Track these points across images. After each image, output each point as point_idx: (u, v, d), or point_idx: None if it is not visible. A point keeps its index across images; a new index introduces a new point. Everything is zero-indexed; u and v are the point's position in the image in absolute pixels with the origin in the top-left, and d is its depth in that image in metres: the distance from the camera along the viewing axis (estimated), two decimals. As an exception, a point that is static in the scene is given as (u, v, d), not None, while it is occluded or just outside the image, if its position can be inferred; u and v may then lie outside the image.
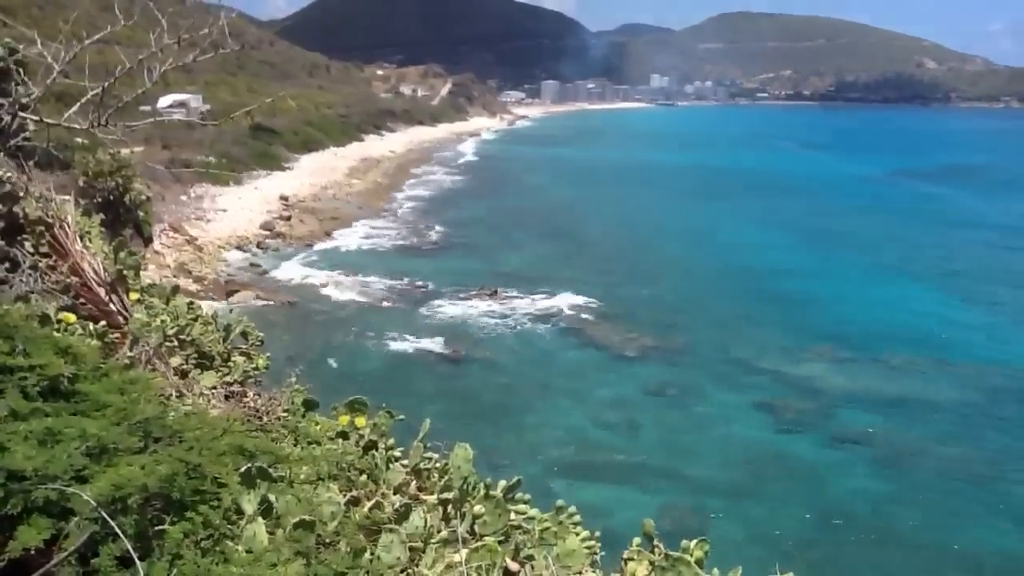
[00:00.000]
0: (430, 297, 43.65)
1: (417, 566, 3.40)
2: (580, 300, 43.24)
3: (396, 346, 35.53)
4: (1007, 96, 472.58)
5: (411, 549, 3.38)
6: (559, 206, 75.61)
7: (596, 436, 28.01)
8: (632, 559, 3.83)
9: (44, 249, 5.30)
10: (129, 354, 4.66)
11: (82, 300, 5.13)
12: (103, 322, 4.96)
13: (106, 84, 5.69)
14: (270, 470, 3.15)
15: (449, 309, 41.57)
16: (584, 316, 40.70)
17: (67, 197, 6.10)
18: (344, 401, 4.76)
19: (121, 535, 2.38)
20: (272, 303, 40.14)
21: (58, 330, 4.33)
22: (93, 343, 4.29)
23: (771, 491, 24.66)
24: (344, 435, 4.52)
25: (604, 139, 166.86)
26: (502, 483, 4.06)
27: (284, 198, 65.28)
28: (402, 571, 3.31)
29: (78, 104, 5.89)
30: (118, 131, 6.04)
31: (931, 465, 26.71)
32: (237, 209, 57.48)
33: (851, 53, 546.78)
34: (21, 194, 5.41)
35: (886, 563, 21.32)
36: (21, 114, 5.71)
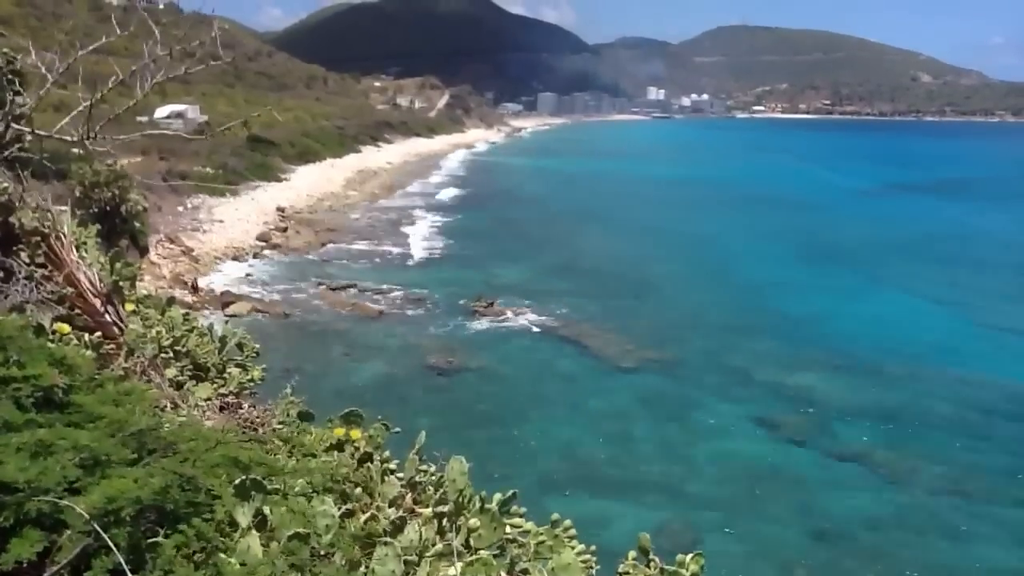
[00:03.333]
0: (426, 308, 43.63)
1: (412, 579, 3.38)
2: (577, 312, 43.24)
3: (392, 357, 35.46)
4: (1002, 110, 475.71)
5: (406, 562, 3.36)
6: (555, 218, 75.75)
7: (592, 449, 27.97)
8: (628, 573, 3.82)
9: (40, 259, 5.30)
10: (124, 365, 4.64)
11: (77, 311, 5.12)
12: (98, 333, 4.95)
13: (97, 96, 5.69)
14: (264, 482, 3.13)
15: (445, 321, 41.54)
16: (581, 328, 40.66)
17: (63, 207, 6.10)
18: (339, 413, 4.75)
19: (114, 548, 2.37)
20: (268, 314, 40.10)
21: (53, 341, 4.32)
22: (88, 354, 4.28)
23: (767, 506, 24.62)
24: (339, 447, 4.50)
25: (600, 152, 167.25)
26: (497, 496, 4.05)
27: (281, 209, 65.35)
28: (397, 584, 3.29)
29: (69, 116, 5.89)
30: (108, 143, 6.03)
31: (929, 481, 26.68)
32: (233, 220, 57.50)
33: (847, 67, 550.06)
34: (17, 204, 5.41)
35: (882, 577, 21.30)
36: (14, 125, 5.71)
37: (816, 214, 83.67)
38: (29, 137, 5.96)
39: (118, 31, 6.24)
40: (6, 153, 5.65)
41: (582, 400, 32.08)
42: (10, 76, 5.84)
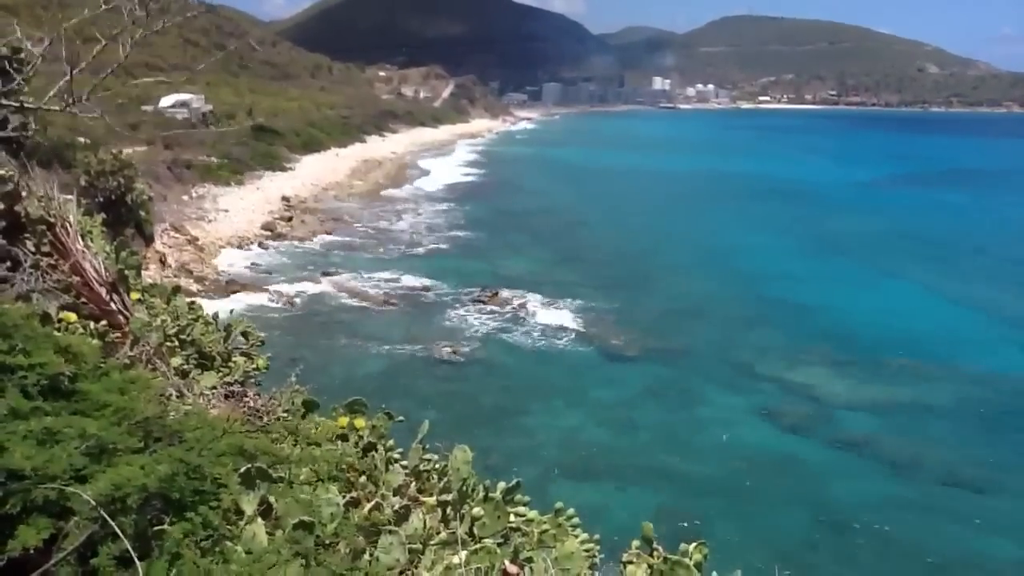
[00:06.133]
0: (431, 299, 43.66)
1: (416, 568, 3.40)
2: (581, 303, 43.23)
3: (396, 347, 35.51)
4: (1009, 101, 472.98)
5: (410, 551, 3.37)
6: (559, 209, 75.62)
7: (596, 438, 28.00)
8: (631, 562, 3.83)
9: (45, 248, 5.30)
10: (129, 354, 4.66)
11: (83, 299, 5.13)
12: (104, 321, 4.96)
13: (78, 66, 5.68)
14: (270, 471, 3.15)
15: (450, 311, 41.57)
16: (585, 318, 40.68)
17: (69, 196, 6.09)
18: (344, 402, 4.76)
19: (120, 535, 2.38)
20: (273, 303, 40.16)
21: (59, 329, 4.33)
22: (93, 342, 4.29)
23: (771, 495, 24.65)
24: (344, 436, 4.51)
25: (605, 142, 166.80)
26: (501, 485, 4.06)
27: (285, 198, 65.34)
28: (401, 573, 3.31)
29: (56, 87, 5.88)
30: (93, 106, 6.02)
31: (931, 470, 26.69)
32: (238, 209, 57.53)
33: (853, 57, 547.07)
34: (23, 193, 5.41)
35: (885, 569, 21.31)
36: (3, 101, 5.71)
37: (820, 205, 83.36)
38: (33, 127, 5.96)
39: (103, 4, 6.21)
40: (1, 133, 5.66)
41: (586, 390, 32.10)
42: (8, 60, 5.84)
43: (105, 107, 6.22)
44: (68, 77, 5.66)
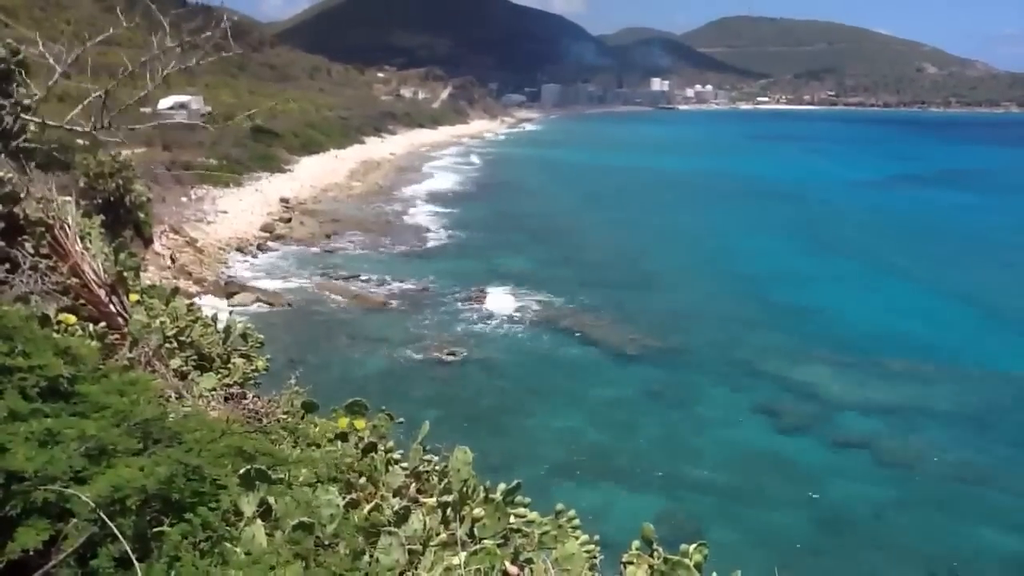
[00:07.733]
0: (430, 299, 43.62)
1: (416, 569, 3.39)
2: (581, 302, 43.22)
3: (395, 348, 35.49)
4: (1007, 101, 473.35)
5: (410, 552, 3.37)
6: (558, 210, 75.60)
7: (596, 439, 27.98)
8: (631, 563, 3.83)
9: (44, 250, 5.30)
10: (129, 355, 4.65)
11: (82, 301, 5.13)
12: (103, 323, 4.96)
13: (108, 88, 5.69)
14: (269, 472, 3.14)
15: (448, 311, 41.54)
16: (585, 318, 40.65)
17: (68, 198, 6.10)
18: (343, 403, 4.76)
19: (120, 536, 2.38)
20: (272, 305, 40.14)
21: (58, 331, 4.33)
22: (93, 344, 4.29)
23: (771, 495, 24.64)
24: (343, 437, 4.51)
25: (604, 143, 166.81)
26: (502, 486, 4.06)
27: (284, 200, 65.33)
28: (401, 574, 3.31)
29: (80, 107, 5.89)
30: (120, 134, 6.04)
31: (932, 470, 26.68)
32: (238, 211, 57.53)
33: (851, 57, 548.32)
34: (22, 195, 5.41)
35: (886, 568, 21.31)
36: (23, 116, 5.71)
37: (819, 206, 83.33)
38: (34, 127, 5.96)
39: (124, 22, 6.23)
40: (13, 144, 5.66)
41: (586, 390, 32.08)
42: (15, 67, 5.83)
43: (125, 132, 6.24)
44: (94, 97, 5.65)
